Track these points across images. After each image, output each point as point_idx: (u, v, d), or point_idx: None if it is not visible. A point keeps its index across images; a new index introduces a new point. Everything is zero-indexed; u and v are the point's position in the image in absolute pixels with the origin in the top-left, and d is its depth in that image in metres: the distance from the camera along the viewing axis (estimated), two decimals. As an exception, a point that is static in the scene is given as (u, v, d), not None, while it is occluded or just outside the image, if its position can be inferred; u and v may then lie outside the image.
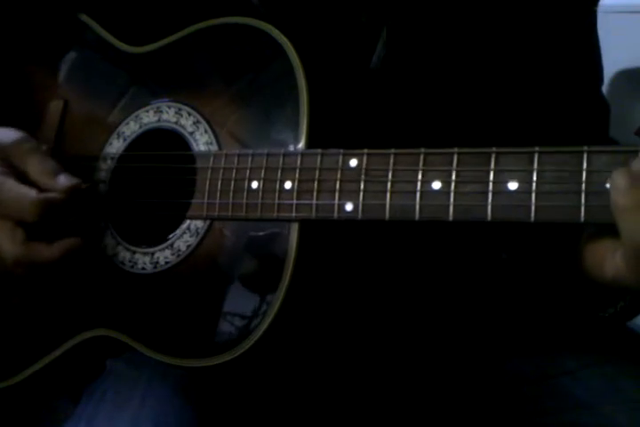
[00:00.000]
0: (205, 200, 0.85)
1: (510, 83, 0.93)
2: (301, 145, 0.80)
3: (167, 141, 0.91)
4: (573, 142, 0.67)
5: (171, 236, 0.88)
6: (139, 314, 0.90)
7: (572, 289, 0.89)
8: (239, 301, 0.83)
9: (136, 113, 0.95)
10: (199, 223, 0.86)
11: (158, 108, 0.93)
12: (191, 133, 0.89)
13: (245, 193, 0.82)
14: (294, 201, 0.79)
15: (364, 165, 0.76)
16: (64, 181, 0.88)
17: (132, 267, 0.91)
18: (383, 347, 0.97)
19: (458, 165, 0.71)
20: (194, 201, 0.87)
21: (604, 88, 1.06)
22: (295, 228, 0.79)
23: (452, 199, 0.71)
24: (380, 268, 0.91)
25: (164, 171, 0.91)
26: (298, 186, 0.79)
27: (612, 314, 0.89)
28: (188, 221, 0.87)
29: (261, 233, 0.82)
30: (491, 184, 0.69)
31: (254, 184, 0.82)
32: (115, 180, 0.95)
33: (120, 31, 1.00)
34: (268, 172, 0.81)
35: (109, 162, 0.96)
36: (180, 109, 0.91)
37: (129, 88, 0.97)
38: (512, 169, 0.69)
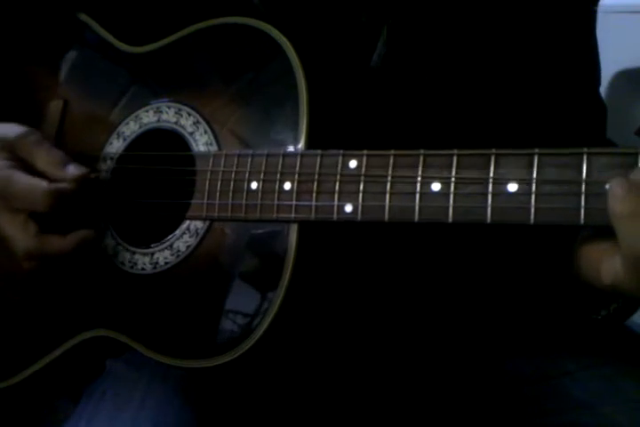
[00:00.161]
0: (205, 201, 0.85)
1: (509, 82, 0.93)
2: (301, 145, 0.80)
3: (167, 142, 0.91)
4: (571, 143, 0.67)
5: (170, 236, 0.88)
6: (138, 315, 0.90)
7: (565, 291, 0.89)
8: (239, 301, 0.83)
9: (136, 113, 0.95)
10: (199, 224, 0.86)
11: (158, 108, 0.93)
12: (191, 134, 0.89)
13: (245, 194, 0.82)
14: (293, 202, 0.79)
15: (363, 166, 0.76)
16: (73, 170, 0.89)
17: (132, 267, 0.91)
18: (383, 347, 0.97)
19: (457, 167, 0.71)
20: (193, 201, 0.87)
21: (604, 88, 1.06)
22: (294, 228, 0.79)
23: (451, 201, 0.71)
24: (380, 267, 0.91)
25: (163, 171, 0.91)
26: (297, 187, 0.79)
27: (604, 316, 0.89)
28: (187, 222, 0.87)
29: (261, 233, 0.82)
30: (490, 186, 0.69)
31: (254, 185, 0.82)
32: (114, 180, 0.95)
33: (120, 31, 1.00)
34: (268, 172, 0.81)
35: (109, 162, 0.96)
36: (179, 110, 0.91)
37: (129, 88, 0.97)
38: (512, 171, 0.69)
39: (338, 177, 0.77)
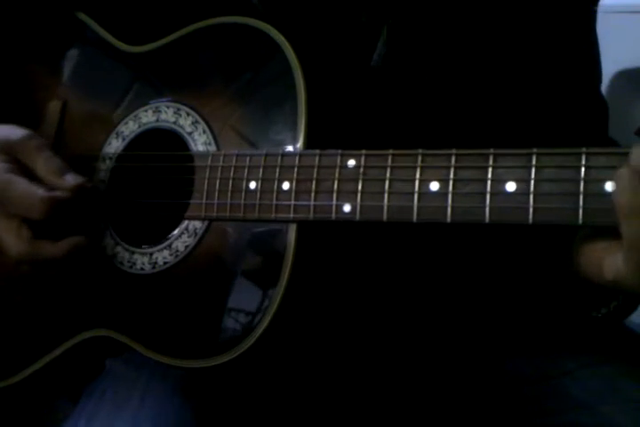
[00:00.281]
0: (204, 201, 0.85)
1: (510, 81, 0.93)
2: (300, 145, 0.80)
3: (166, 141, 0.91)
4: (573, 142, 0.67)
5: (169, 236, 0.88)
6: (138, 314, 0.90)
7: (566, 289, 0.89)
8: (238, 300, 0.83)
9: (135, 113, 0.95)
10: (197, 224, 0.86)
11: (157, 107, 0.93)
12: (190, 133, 0.89)
13: (243, 193, 0.82)
14: (292, 202, 0.79)
15: (362, 166, 0.76)
16: (71, 179, 0.89)
17: (131, 267, 0.91)
18: (383, 347, 0.97)
19: (456, 166, 0.71)
20: (192, 201, 0.87)
21: (604, 88, 1.06)
22: (293, 227, 0.79)
23: (449, 201, 0.71)
24: (379, 266, 0.91)
25: (162, 171, 0.91)
26: (296, 186, 0.79)
27: (605, 314, 0.89)
28: (186, 222, 0.87)
29: (260, 232, 0.82)
30: (489, 185, 0.69)
31: (252, 185, 0.82)
32: (114, 180, 0.95)
33: (119, 30, 1.00)
34: (267, 172, 0.81)
35: (108, 162, 0.96)
36: (178, 109, 0.91)
37: (128, 88, 0.97)
38: (510, 170, 0.69)
39: (336, 177, 0.77)
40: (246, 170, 0.82)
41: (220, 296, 0.84)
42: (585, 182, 0.65)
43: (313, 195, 0.78)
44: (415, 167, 0.73)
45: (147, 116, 0.94)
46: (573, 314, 0.91)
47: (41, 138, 0.92)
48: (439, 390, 0.96)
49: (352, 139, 0.80)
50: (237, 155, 0.84)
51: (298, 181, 0.79)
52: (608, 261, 0.69)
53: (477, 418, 0.94)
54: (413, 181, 0.73)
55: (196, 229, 0.86)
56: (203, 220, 0.86)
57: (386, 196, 0.74)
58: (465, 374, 0.97)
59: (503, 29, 0.92)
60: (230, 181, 0.83)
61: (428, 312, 0.97)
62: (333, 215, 0.77)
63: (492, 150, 0.70)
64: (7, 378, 0.98)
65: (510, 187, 0.68)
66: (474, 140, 0.74)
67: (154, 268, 0.89)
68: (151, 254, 0.89)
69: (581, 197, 0.65)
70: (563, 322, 0.94)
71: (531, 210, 0.67)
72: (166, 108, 0.92)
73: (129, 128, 0.95)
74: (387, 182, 0.74)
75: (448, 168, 0.72)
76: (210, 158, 0.86)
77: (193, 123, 0.89)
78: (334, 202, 0.77)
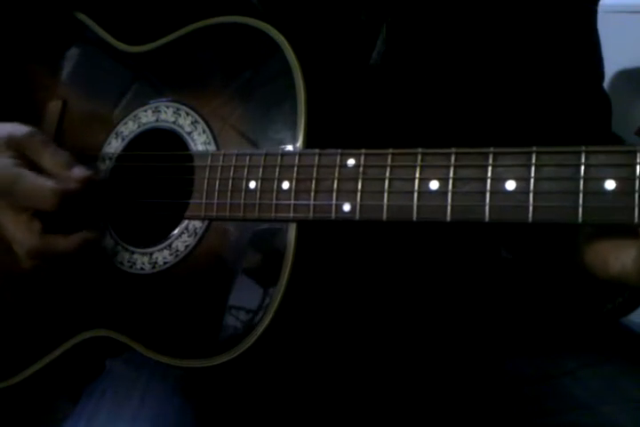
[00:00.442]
0: (203, 200, 0.85)
1: (510, 79, 0.93)
2: (299, 144, 0.80)
3: (165, 141, 0.91)
4: (577, 138, 0.67)
5: (169, 236, 0.88)
6: (138, 314, 0.90)
7: (571, 286, 0.89)
8: (238, 300, 0.82)
9: (134, 113, 0.95)
10: (197, 223, 0.86)
11: (156, 107, 0.93)
12: (189, 133, 0.89)
13: (243, 193, 0.82)
14: (292, 201, 0.79)
15: (361, 165, 0.76)
16: (79, 172, 0.89)
17: (131, 267, 0.91)
18: (383, 345, 0.97)
19: (455, 165, 0.71)
20: (192, 201, 0.87)
21: (604, 88, 1.06)
22: (293, 226, 0.79)
23: (449, 200, 0.71)
24: (380, 265, 0.91)
25: (162, 171, 0.91)
26: (295, 186, 0.79)
27: (609, 310, 0.89)
28: (186, 222, 0.87)
29: (260, 232, 0.82)
30: (488, 184, 0.69)
31: (252, 184, 0.82)
32: (113, 180, 0.95)
33: (118, 30, 1.00)
34: (266, 172, 0.81)
35: (108, 162, 0.96)
36: (178, 109, 0.91)
37: (127, 88, 0.97)
38: (510, 169, 0.69)
39: (336, 176, 0.77)
40: (246, 169, 0.82)
41: (221, 296, 0.83)
42: (585, 181, 0.65)
43: (313, 194, 0.78)
44: (415, 166, 0.73)
45: (146, 116, 0.94)
46: (579, 310, 0.91)
47: (44, 134, 0.93)
48: (439, 389, 0.96)
49: (352, 138, 0.80)
50: (237, 154, 0.84)
51: (297, 180, 0.79)
52: (613, 257, 0.70)
53: (478, 418, 0.94)
54: (413, 180, 0.73)
55: (195, 228, 0.86)
56: (202, 219, 0.86)
57: (385, 195, 0.74)
58: (465, 373, 0.97)
59: (503, 27, 0.93)
60: (230, 181, 0.83)
61: (429, 311, 0.97)
62: (333, 215, 0.77)
63: (491, 149, 0.70)
64: (7, 379, 0.98)
65: (510, 185, 0.68)
66: (474, 138, 0.74)
67: (154, 268, 0.89)
68: (151, 254, 0.89)
69: (581, 196, 0.65)
70: (567, 319, 0.94)
71: (530, 208, 0.67)
72: (166, 108, 0.92)
73: (128, 128, 0.95)
74: (386, 181, 0.74)
75: (448, 167, 0.71)
76: (209, 158, 0.86)
77: (192, 122, 0.89)
78: (334, 201, 0.77)
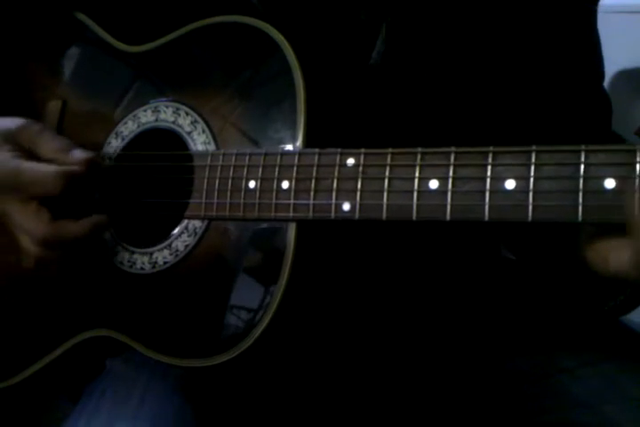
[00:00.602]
0: (203, 200, 0.85)
1: (510, 79, 0.93)
2: (299, 144, 0.80)
3: (165, 141, 0.91)
4: (577, 137, 0.67)
5: (169, 236, 0.88)
6: (138, 314, 0.90)
7: (573, 284, 0.89)
8: (238, 300, 0.83)
9: (134, 112, 0.95)
10: (197, 223, 0.86)
11: (156, 107, 0.93)
12: (189, 133, 0.89)
13: (243, 193, 0.82)
14: (291, 201, 0.79)
15: (361, 165, 0.76)
16: (79, 154, 0.89)
17: (131, 267, 0.91)
18: (383, 345, 0.97)
19: (455, 165, 0.71)
20: (192, 201, 0.87)
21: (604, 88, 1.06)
22: (293, 225, 0.79)
23: (449, 199, 0.71)
24: (380, 264, 0.91)
25: (162, 170, 0.91)
26: (295, 185, 0.79)
27: (611, 307, 0.89)
28: (186, 221, 0.87)
29: (259, 231, 0.82)
30: (488, 183, 0.69)
31: (252, 184, 0.82)
32: (113, 179, 0.95)
33: (118, 30, 1.00)
34: (266, 171, 0.81)
35: (108, 162, 0.96)
36: (177, 109, 0.91)
37: (127, 87, 0.97)
38: (509, 168, 0.69)
39: (336, 175, 0.77)
40: (246, 169, 0.82)
41: (220, 296, 0.83)
42: (584, 180, 0.65)
43: (312, 194, 0.78)
44: (414, 165, 0.73)
45: (146, 116, 0.94)
46: (581, 308, 0.91)
47: (40, 123, 0.92)
48: (439, 388, 0.96)
49: (351, 137, 0.80)
50: (236, 154, 0.84)
51: (297, 179, 0.79)
52: (613, 255, 0.70)
53: (477, 416, 0.94)
54: (413, 179, 0.73)
55: (195, 228, 0.86)
56: (202, 219, 0.86)
57: (385, 194, 0.74)
58: (465, 372, 0.97)
59: (503, 27, 0.92)
60: (230, 181, 0.83)
61: (428, 311, 0.97)
62: (333, 214, 0.77)
63: (491, 148, 0.70)
64: (7, 379, 0.98)
65: (510, 185, 0.68)
66: (474, 138, 0.74)
67: (154, 267, 0.89)
68: (151, 254, 0.89)
69: (581, 195, 0.65)
70: (568, 317, 0.94)
71: (530, 208, 0.67)
72: (165, 108, 0.92)
73: (128, 128, 0.95)
74: (386, 181, 0.74)
75: (447, 166, 0.71)
76: (209, 158, 0.86)
77: (192, 122, 0.89)
78: (334, 201, 0.77)
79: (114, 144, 0.96)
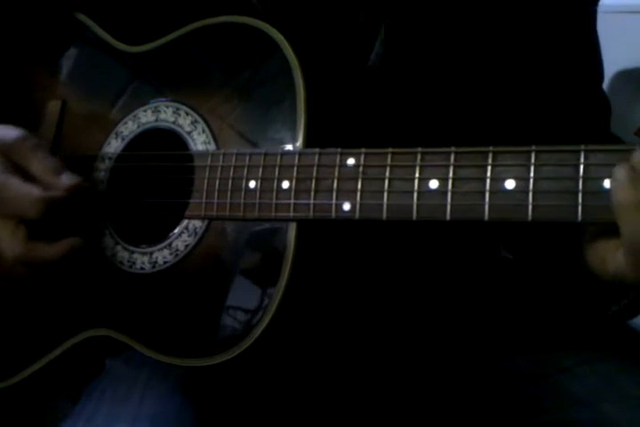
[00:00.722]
0: (203, 200, 0.85)
1: (509, 80, 0.93)
2: (299, 144, 0.80)
3: (165, 141, 0.91)
4: (576, 138, 0.67)
5: (169, 235, 0.88)
6: (138, 314, 0.90)
7: (577, 287, 0.89)
8: (238, 300, 0.83)
9: (134, 113, 0.95)
10: (197, 223, 0.86)
11: (156, 107, 0.93)
12: (189, 133, 0.89)
13: (243, 193, 0.82)
14: (292, 201, 0.79)
15: (361, 165, 0.76)
16: (66, 179, 0.88)
17: (131, 267, 0.91)
18: (383, 345, 0.97)
19: (455, 165, 0.71)
20: (192, 201, 0.87)
21: (604, 88, 1.06)
22: (293, 225, 0.79)
23: (449, 199, 0.71)
24: (380, 264, 0.91)
25: (162, 170, 0.91)
26: (295, 185, 0.79)
27: (615, 312, 0.89)
28: (186, 221, 0.87)
29: (260, 231, 0.82)
30: (488, 183, 0.69)
31: (252, 184, 0.82)
32: (113, 179, 0.95)
33: (118, 30, 1.00)
34: (266, 171, 0.81)
35: (108, 162, 0.96)
36: (177, 109, 0.91)
37: (127, 88, 0.97)
38: (509, 168, 0.69)
39: (336, 175, 0.77)
40: (246, 169, 0.83)
41: (221, 295, 0.84)
42: (584, 180, 0.65)
43: (312, 194, 0.78)
44: (414, 166, 0.73)
45: (146, 116, 0.94)
46: (585, 313, 0.92)
47: (36, 138, 0.92)
48: (438, 388, 0.97)
49: (351, 138, 0.80)
50: (237, 154, 0.84)
51: (297, 179, 0.79)
52: (611, 256, 0.70)
53: (477, 416, 0.94)
54: (413, 179, 0.73)
55: (196, 228, 0.86)
56: (202, 219, 0.86)
57: (385, 194, 0.74)
58: (464, 372, 0.97)
59: (502, 28, 0.93)
60: (230, 181, 0.83)
61: (428, 311, 0.97)
62: (333, 214, 0.77)
63: (490, 148, 0.70)
64: (7, 379, 0.98)
65: (509, 185, 0.69)
66: (473, 139, 0.74)
67: (154, 267, 0.89)
68: (151, 254, 0.89)
69: (580, 195, 0.65)
70: (567, 320, 0.94)
71: (530, 208, 0.67)
72: (165, 108, 0.92)
73: (128, 128, 0.95)
74: (386, 181, 0.74)
75: (447, 166, 0.72)
76: (209, 158, 0.86)
77: (192, 122, 0.89)
78: (334, 201, 0.77)
79: (114, 144, 0.96)
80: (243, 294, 0.82)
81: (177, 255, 0.87)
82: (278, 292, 0.78)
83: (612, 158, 0.65)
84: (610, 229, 0.69)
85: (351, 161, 0.77)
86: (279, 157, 0.81)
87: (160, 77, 0.95)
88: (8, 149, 0.89)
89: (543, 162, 0.67)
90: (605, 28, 1.03)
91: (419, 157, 0.73)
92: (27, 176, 0.88)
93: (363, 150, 0.77)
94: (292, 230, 0.79)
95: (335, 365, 0.95)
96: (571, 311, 0.93)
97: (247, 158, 0.83)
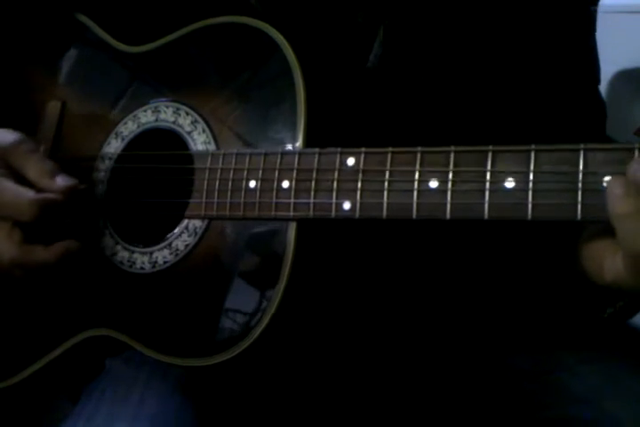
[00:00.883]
0: (203, 200, 0.85)
1: (507, 81, 0.93)
2: (299, 144, 0.80)
3: (165, 141, 0.91)
4: (571, 141, 0.67)
5: (169, 235, 0.88)
6: (138, 314, 0.90)
7: (571, 290, 0.89)
8: (238, 299, 0.83)
9: (134, 113, 0.95)
10: (197, 223, 0.86)
11: (156, 107, 0.93)
12: (189, 133, 0.89)
13: (243, 192, 0.82)
14: (292, 200, 0.79)
15: (361, 164, 0.76)
16: (62, 181, 0.89)
17: (131, 267, 0.91)
18: (383, 344, 0.97)
19: (455, 164, 0.71)
20: (192, 201, 0.87)
21: (604, 88, 1.06)
22: (293, 225, 0.79)
23: (448, 198, 0.71)
24: (380, 264, 0.91)
25: (162, 170, 0.91)
26: (295, 185, 0.79)
27: (610, 314, 0.89)
28: (186, 221, 0.87)
29: (260, 231, 0.82)
30: (488, 182, 0.70)
31: (252, 183, 0.82)
32: (113, 180, 0.96)
33: (118, 31, 1.00)
34: (266, 171, 0.81)
35: (108, 162, 0.96)
36: (177, 109, 0.91)
37: (127, 88, 0.97)
38: (509, 167, 0.69)
39: (336, 175, 0.77)
40: (246, 169, 0.83)
41: (221, 295, 0.84)
42: (583, 178, 0.65)
43: (312, 193, 0.78)
44: (414, 165, 0.73)
45: (146, 116, 0.94)
46: (580, 315, 0.92)
47: (33, 142, 0.92)
48: (440, 385, 0.97)
49: (351, 138, 0.81)
50: (237, 154, 0.84)
51: (297, 179, 0.79)
52: (608, 261, 0.70)
53: (478, 413, 0.94)
54: (413, 178, 0.73)
55: (196, 228, 0.86)
56: (203, 219, 0.86)
57: (385, 193, 0.74)
58: (466, 369, 0.97)
59: (501, 29, 0.93)
60: (230, 181, 0.83)
61: (429, 310, 0.97)
62: (333, 213, 0.77)
63: (490, 147, 0.70)
64: (7, 379, 0.98)
65: (509, 183, 0.69)
66: (473, 138, 0.74)
67: (154, 267, 0.89)
68: (151, 254, 0.90)
69: (580, 193, 0.65)
70: (568, 319, 0.94)
71: (529, 206, 0.67)
72: (165, 108, 0.92)
73: (128, 128, 0.95)
74: (386, 180, 0.75)
75: (447, 165, 0.72)
76: (209, 158, 0.86)
77: (192, 122, 0.89)
78: (334, 200, 0.77)
79: (114, 144, 0.96)
80: (243, 294, 0.82)
81: (177, 255, 0.87)
82: (278, 292, 0.79)
83: (612, 157, 0.65)
84: (607, 230, 0.69)
85: (351, 161, 0.77)
86: (279, 157, 0.81)
87: (160, 78, 0.95)
88: (4, 153, 0.90)
89: (543, 161, 0.68)
90: (605, 28, 1.03)
91: (418, 156, 0.73)
92: (22, 180, 0.89)
93: (362, 150, 0.77)
94: (291, 231, 0.79)
95: (335, 364, 0.95)
96: (567, 313, 0.94)
97: (247, 158, 0.83)
